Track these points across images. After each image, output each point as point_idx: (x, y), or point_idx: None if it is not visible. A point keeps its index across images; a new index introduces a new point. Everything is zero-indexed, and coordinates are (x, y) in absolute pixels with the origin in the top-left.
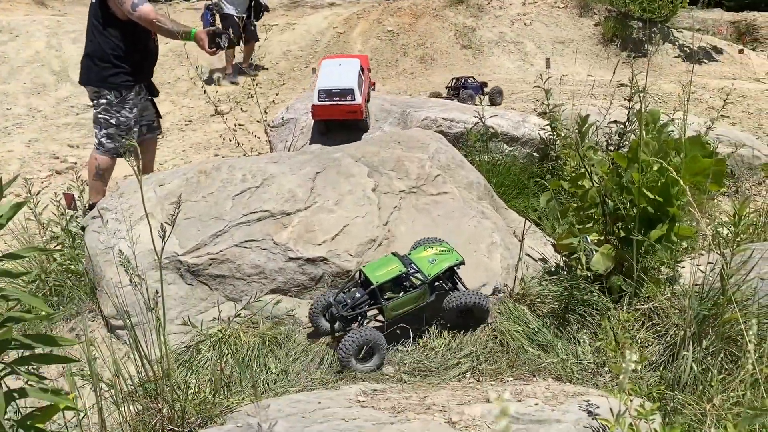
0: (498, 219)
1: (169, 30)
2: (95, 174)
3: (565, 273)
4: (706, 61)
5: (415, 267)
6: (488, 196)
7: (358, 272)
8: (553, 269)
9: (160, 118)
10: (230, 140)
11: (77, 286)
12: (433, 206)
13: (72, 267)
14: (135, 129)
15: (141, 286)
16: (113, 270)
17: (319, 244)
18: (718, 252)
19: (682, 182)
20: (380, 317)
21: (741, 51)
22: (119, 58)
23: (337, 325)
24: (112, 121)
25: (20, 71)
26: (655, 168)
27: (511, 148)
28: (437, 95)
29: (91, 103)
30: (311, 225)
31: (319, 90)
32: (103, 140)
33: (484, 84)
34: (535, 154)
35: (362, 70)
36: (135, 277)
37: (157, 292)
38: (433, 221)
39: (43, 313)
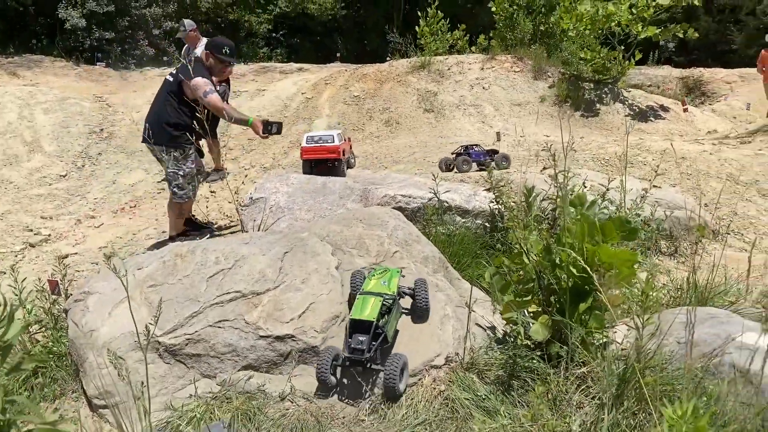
0: (451, 290)
1: (233, 116)
2: (177, 215)
3: (511, 341)
4: (653, 119)
5: (382, 293)
6: (442, 268)
7: (347, 324)
8: (501, 337)
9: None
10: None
11: (60, 366)
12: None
13: (55, 348)
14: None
15: (122, 368)
16: (95, 352)
17: (287, 322)
18: (631, 325)
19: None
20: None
21: (685, 110)
22: (186, 126)
23: (338, 374)
24: (180, 173)
25: None
26: (577, 249)
27: (464, 220)
28: (447, 162)
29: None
30: (280, 303)
31: (307, 137)
32: (176, 190)
33: (494, 151)
34: (486, 224)
35: (342, 136)
36: (116, 360)
37: (142, 383)
38: None
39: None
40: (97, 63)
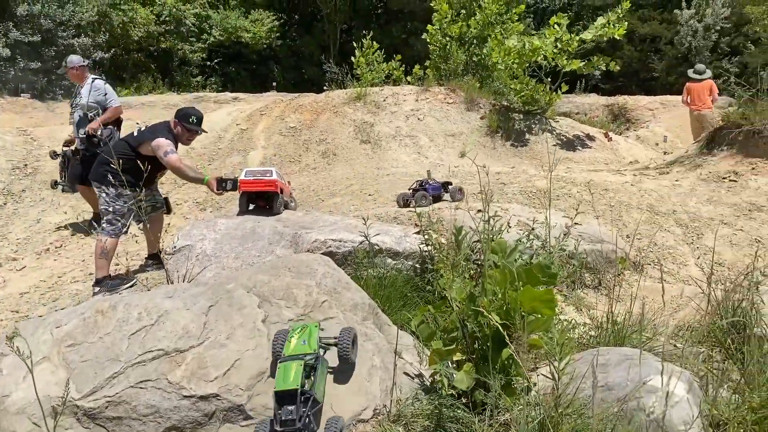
0: (380, 339)
1: (189, 175)
2: (101, 254)
3: (439, 389)
4: (580, 149)
5: (302, 355)
6: (372, 314)
7: (274, 397)
8: (428, 385)
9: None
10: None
11: None
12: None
13: None
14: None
15: None
16: (8, 420)
17: (212, 381)
18: (551, 368)
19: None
20: None
21: (610, 139)
22: (129, 172)
23: None
24: (110, 209)
25: None
26: (499, 296)
27: (396, 262)
28: (405, 197)
29: None
30: (204, 361)
31: (246, 171)
32: (105, 225)
33: (448, 183)
34: (417, 266)
35: (281, 175)
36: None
37: None
38: None
39: None
40: (22, 94)
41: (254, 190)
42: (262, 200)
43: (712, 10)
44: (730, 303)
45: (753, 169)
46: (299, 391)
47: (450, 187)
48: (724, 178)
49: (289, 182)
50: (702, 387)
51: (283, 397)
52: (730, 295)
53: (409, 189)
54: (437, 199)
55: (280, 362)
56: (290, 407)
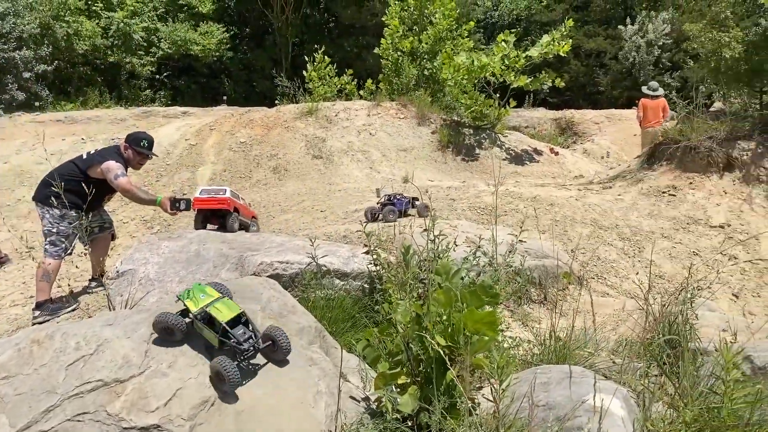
0: (326, 363)
1: (140, 198)
2: (42, 276)
3: (384, 413)
4: (528, 163)
5: (216, 298)
6: (319, 338)
7: (220, 331)
8: (374, 409)
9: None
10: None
11: None
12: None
13: None
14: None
15: None
16: None
17: (153, 411)
18: (488, 398)
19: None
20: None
21: (556, 153)
22: (76, 194)
23: None
24: (54, 230)
25: None
26: (444, 318)
27: (343, 283)
28: (372, 211)
29: None
30: (145, 391)
31: (201, 189)
32: (47, 246)
33: (415, 199)
34: (366, 286)
35: (238, 195)
36: None
37: None
38: (264, 374)
39: None
40: None
41: (208, 208)
42: (216, 218)
43: (653, 26)
44: (666, 318)
45: (690, 183)
46: (242, 312)
47: (417, 203)
48: (663, 193)
49: (250, 204)
50: (639, 403)
51: (232, 324)
52: (666, 310)
53: (377, 203)
54: (404, 214)
55: (206, 308)
56: (242, 329)
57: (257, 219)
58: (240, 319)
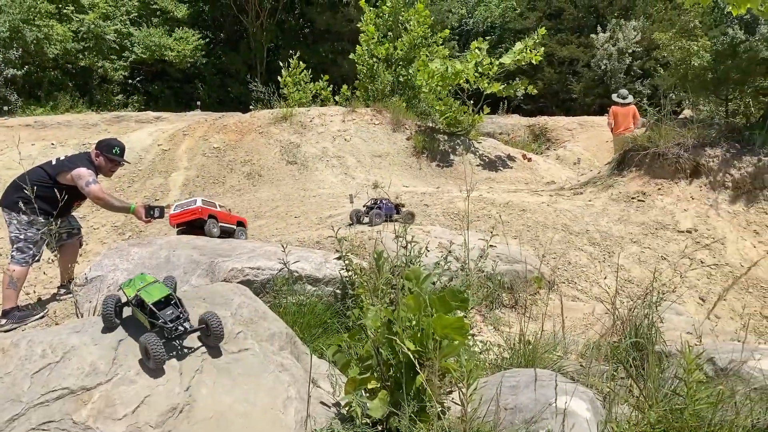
0: (297, 369)
1: (113, 205)
2: (8, 284)
3: (354, 418)
4: (502, 169)
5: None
6: (290, 344)
7: (148, 312)
8: (345, 414)
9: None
10: (36, 303)
11: None
12: (234, 364)
13: None
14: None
15: None
16: None
17: (120, 419)
18: (456, 402)
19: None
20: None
21: (529, 160)
22: (45, 199)
23: None
24: (21, 236)
25: None
26: (414, 323)
27: (315, 288)
28: (358, 214)
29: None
30: (112, 399)
31: (176, 205)
32: (14, 253)
33: (401, 205)
34: (338, 291)
35: (210, 203)
36: None
37: None
38: (233, 380)
39: None
40: None
41: (183, 221)
42: (197, 229)
43: (623, 34)
44: (632, 321)
45: (659, 189)
46: (170, 294)
47: (402, 209)
48: (633, 198)
49: (229, 210)
50: (605, 405)
51: (162, 306)
52: (632, 313)
53: (364, 206)
54: (389, 218)
55: (138, 293)
56: (170, 310)
57: (246, 225)
58: (170, 301)
